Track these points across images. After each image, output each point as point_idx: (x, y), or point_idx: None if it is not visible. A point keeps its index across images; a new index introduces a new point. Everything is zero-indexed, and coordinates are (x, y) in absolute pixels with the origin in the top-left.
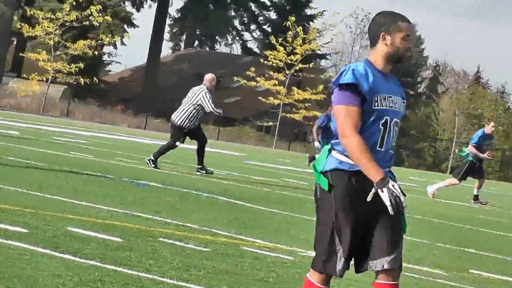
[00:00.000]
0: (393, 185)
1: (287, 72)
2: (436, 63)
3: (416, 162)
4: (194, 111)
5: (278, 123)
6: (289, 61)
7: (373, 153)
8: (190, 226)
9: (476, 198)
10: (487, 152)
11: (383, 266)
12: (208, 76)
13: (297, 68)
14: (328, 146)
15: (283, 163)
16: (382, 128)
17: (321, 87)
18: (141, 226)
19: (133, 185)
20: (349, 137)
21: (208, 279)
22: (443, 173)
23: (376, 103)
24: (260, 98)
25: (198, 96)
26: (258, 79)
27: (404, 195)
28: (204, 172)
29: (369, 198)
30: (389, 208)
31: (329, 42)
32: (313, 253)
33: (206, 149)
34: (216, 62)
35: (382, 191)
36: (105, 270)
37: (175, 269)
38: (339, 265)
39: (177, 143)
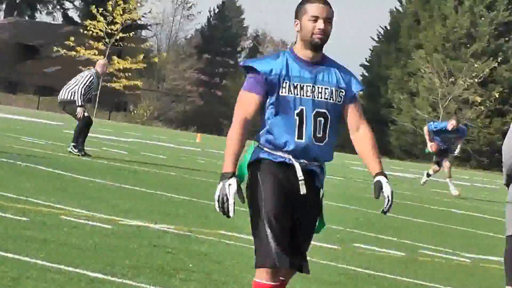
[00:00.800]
0: (229, 185)
1: (107, 41)
2: (256, 33)
3: None
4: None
5: (98, 92)
6: (110, 31)
7: (291, 145)
8: (8, 195)
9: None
10: (431, 144)
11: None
12: (100, 62)
13: (118, 37)
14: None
15: (103, 132)
16: (297, 118)
17: (141, 56)
18: None
19: None
20: (232, 125)
21: (26, 249)
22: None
23: (283, 90)
24: (81, 67)
25: (81, 81)
26: (78, 48)
27: (241, 198)
28: (77, 151)
29: (302, 190)
30: (214, 203)
31: (149, 12)
32: (132, 221)
33: (28, 119)
34: (36, 32)
35: (218, 184)
36: None
37: None
38: (278, 256)
39: (86, 114)
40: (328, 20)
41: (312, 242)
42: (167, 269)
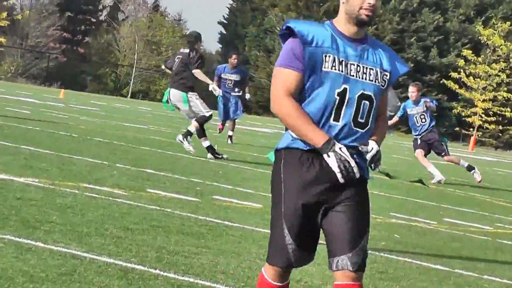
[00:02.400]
0: (340, 148)
1: None
2: None
3: (99, 87)
4: None
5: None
6: None
7: (324, 128)
8: None
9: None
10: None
11: (342, 267)
12: None
13: None
14: None
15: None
16: (338, 98)
17: (4, 14)
18: None
19: None
20: (280, 102)
21: None
22: (124, 97)
23: (326, 64)
24: None
25: None
26: None
27: (365, 160)
28: None
29: (340, 180)
30: (338, 176)
31: None
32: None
33: None
34: None
35: (328, 156)
36: None
37: None
38: (291, 256)
39: None
40: None
41: (172, 195)
42: (31, 221)
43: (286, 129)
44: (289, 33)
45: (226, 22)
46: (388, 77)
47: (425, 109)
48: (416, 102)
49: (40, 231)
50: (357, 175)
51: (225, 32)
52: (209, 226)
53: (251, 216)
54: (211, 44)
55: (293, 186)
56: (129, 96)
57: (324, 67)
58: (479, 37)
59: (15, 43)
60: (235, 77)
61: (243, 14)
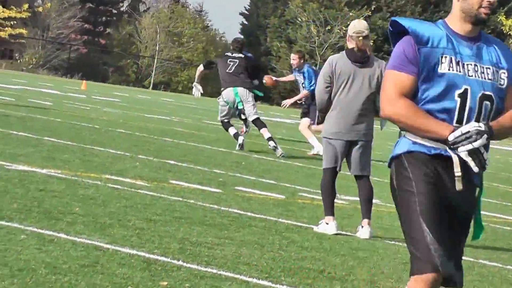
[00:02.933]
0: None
1: None
2: None
3: (120, 79)
4: None
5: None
6: None
7: None
8: None
9: None
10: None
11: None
12: None
13: None
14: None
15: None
16: (459, 100)
17: (26, 5)
18: None
19: None
20: (394, 103)
21: None
22: (145, 88)
23: (442, 66)
24: None
25: None
26: None
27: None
28: None
29: (458, 186)
30: (472, 164)
31: None
32: (19, 166)
33: None
34: None
35: (458, 150)
36: None
37: None
38: (441, 258)
39: None
40: None
41: (194, 186)
42: (54, 212)
43: (400, 135)
44: (397, 32)
45: (247, 13)
46: (506, 75)
47: None
48: None
49: (63, 223)
50: (487, 166)
51: (246, 23)
52: (232, 217)
53: (274, 207)
54: (232, 35)
55: (425, 183)
56: (150, 87)
57: (440, 69)
58: (501, 27)
59: (36, 34)
60: None
61: (265, 4)
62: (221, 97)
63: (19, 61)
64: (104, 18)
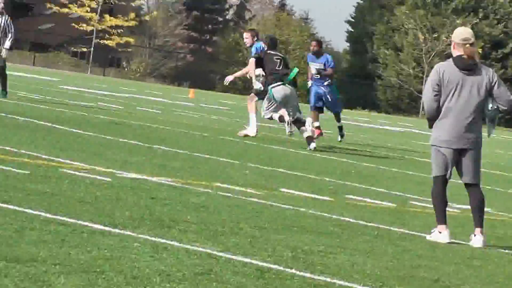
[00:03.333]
0: None
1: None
2: None
3: (228, 86)
4: None
5: (92, 49)
6: None
7: None
8: (9, 149)
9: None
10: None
11: None
12: None
13: None
14: None
15: (98, 88)
16: None
17: (132, 14)
18: None
19: None
20: None
21: (28, 201)
22: None
23: None
24: (73, 24)
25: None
26: (71, 6)
27: None
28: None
29: None
30: None
31: None
32: (130, 174)
33: (24, 75)
34: None
35: None
36: None
37: None
38: None
39: None
40: None
41: (305, 194)
42: (166, 220)
43: None
44: None
45: (353, 20)
46: None
47: None
48: None
49: (175, 231)
50: None
51: (352, 31)
52: (344, 225)
53: (386, 216)
54: (339, 44)
55: None
56: None
57: None
58: None
59: (143, 43)
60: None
61: (371, 12)
62: (271, 94)
63: (126, 69)
64: (210, 26)
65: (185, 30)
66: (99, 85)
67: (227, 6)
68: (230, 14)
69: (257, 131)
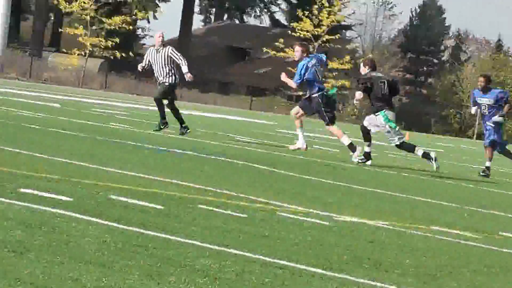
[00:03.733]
0: None
1: (315, 43)
2: (458, 32)
3: (443, 129)
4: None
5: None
6: (316, 33)
7: None
8: (227, 193)
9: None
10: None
11: None
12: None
13: (324, 39)
14: None
15: (314, 131)
16: None
17: (347, 57)
18: (180, 194)
19: (170, 154)
20: None
21: (248, 244)
22: (469, 138)
23: None
24: (289, 68)
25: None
26: (287, 50)
27: None
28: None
29: None
30: None
31: (353, 13)
32: (348, 218)
33: (242, 119)
34: (245, 34)
35: None
36: (148, 236)
37: (215, 235)
38: None
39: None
40: None
41: None
42: (384, 264)
43: None
44: None
45: None
46: None
47: None
48: None
49: (393, 274)
50: None
51: None
52: None
53: None
54: None
55: None
56: (474, 137)
57: None
58: None
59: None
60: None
61: None
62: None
63: (342, 112)
64: (425, 67)
65: (400, 72)
66: (316, 128)
67: (442, 47)
68: (445, 56)
69: None
